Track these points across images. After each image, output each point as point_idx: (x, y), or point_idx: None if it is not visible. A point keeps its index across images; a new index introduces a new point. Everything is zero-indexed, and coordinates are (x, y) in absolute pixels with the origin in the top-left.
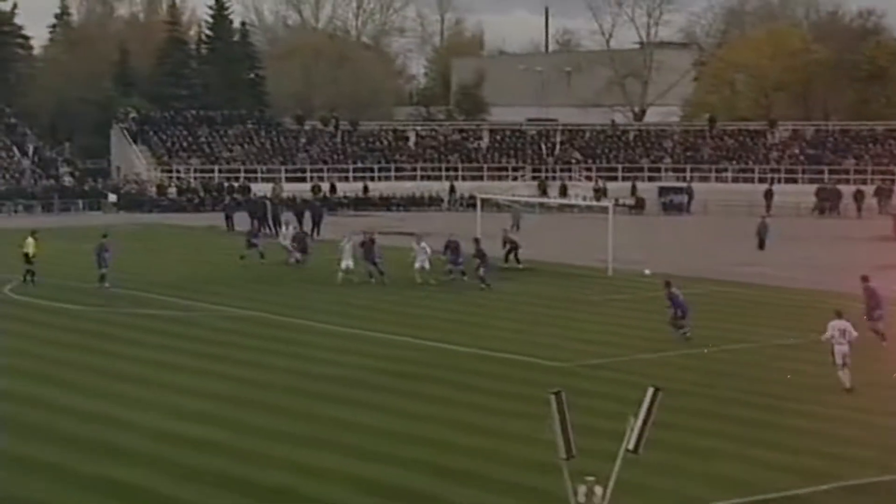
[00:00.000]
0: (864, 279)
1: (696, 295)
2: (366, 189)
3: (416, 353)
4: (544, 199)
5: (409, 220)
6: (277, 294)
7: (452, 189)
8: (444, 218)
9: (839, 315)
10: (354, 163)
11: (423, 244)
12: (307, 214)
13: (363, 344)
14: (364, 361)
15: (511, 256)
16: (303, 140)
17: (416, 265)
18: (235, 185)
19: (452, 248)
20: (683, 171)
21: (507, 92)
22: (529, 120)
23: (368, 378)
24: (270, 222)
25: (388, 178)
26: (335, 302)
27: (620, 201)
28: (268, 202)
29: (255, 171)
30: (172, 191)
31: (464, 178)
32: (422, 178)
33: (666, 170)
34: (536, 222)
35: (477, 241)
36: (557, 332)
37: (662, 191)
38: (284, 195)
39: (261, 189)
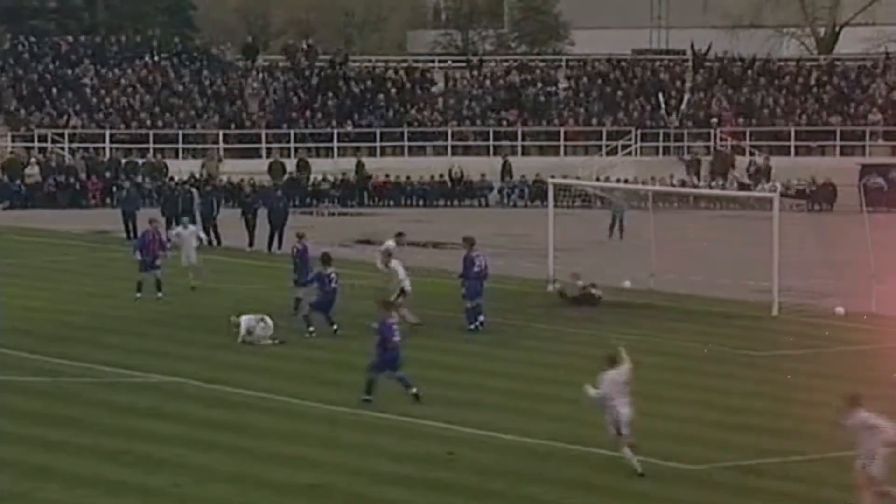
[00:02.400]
0: None
1: None
2: (360, 168)
3: (452, 449)
4: (658, 188)
5: (434, 222)
6: (213, 348)
7: (506, 168)
8: (492, 218)
9: None
10: (341, 124)
11: (391, 263)
12: (260, 212)
13: (356, 431)
14: (360, 462)
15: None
16: (255, 85)
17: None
18: (140, 161)
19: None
20: None
21: (598, 5)
22: (638, 52)
23: (368, 490)
24: (199, 223)
25: (397, 151)
26: (309, 360)
27: (793, 189)
28: (194, 192)
29: (172, 139)
30: (32, 171)
31: (526, 152)
32: (455, 150)
33: (874, 136)
34: (647, 225)
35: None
36: (687, 412)
37: (866, 171)
38: (222, 178)
39: (185, 168)
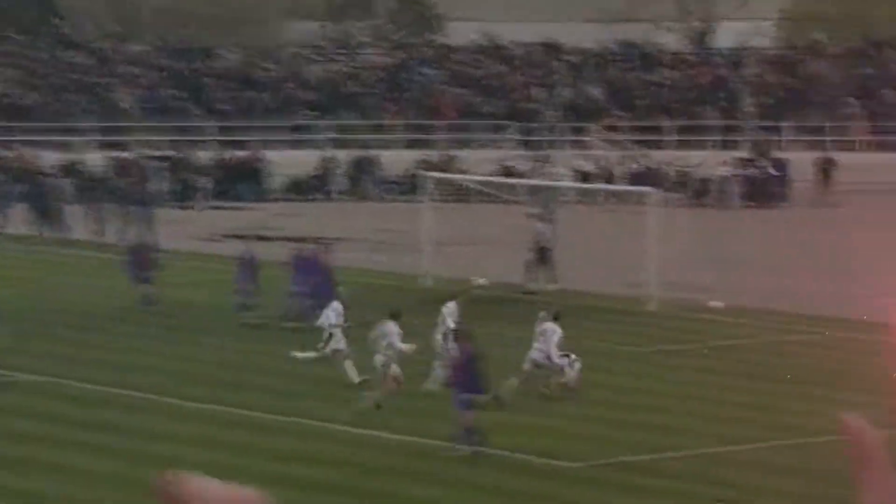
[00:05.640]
0: None
1: (795, 344)
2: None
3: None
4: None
5: (302, 216)
6: (81, 347)
7: (364, 163)
8: (368, 211)
9: None
10: (215, 117)
11: None
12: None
13: (304, 441)
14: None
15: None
16: (122, 72)
17: None
18: (9, 154)
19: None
20: (779, 130)
21: None
22: (515, 43)
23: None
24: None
25: (277, 144)
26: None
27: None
28: (64, 183)
29: (40, 131)
30: None
31: (405, 144)
32: (336, 142)
33: (750, 130)
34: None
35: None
36: (566, 408)
37: (742, 166)
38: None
39: (55, 161)
